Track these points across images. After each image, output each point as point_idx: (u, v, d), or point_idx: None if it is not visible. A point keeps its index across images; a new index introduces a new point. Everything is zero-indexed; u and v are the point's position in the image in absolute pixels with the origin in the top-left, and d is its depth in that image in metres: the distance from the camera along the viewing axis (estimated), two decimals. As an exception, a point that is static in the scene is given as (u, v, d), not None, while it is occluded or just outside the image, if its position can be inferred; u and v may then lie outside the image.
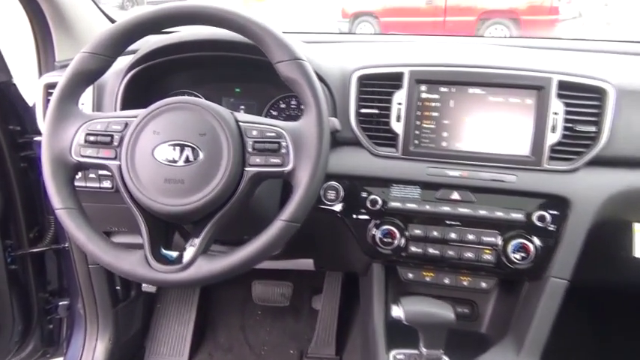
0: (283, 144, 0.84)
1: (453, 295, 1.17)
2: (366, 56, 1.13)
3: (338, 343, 1.73)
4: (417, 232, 1.04)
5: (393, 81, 1.07)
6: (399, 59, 1.09)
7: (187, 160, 0.83)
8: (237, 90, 1.27)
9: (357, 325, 1.70)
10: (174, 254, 0.85)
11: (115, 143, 0.85)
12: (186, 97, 0.87)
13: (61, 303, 1.64)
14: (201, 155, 0.83)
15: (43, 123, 1.16)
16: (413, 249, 1.04)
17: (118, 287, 1.58)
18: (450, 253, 1.03)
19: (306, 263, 1.40)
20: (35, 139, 1.45)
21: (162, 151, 0.83)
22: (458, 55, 1.11)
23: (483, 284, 1.07)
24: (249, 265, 0.82)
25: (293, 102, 1.26)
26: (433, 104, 1.06)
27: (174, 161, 0.83)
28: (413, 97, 1.06)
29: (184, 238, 0.92)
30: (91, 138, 0.85)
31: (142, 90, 1.19)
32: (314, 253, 1.32)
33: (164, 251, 0.85)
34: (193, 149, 0.83)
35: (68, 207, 0.84)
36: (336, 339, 1.74)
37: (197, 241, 0.83)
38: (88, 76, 0.88)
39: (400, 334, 1.04)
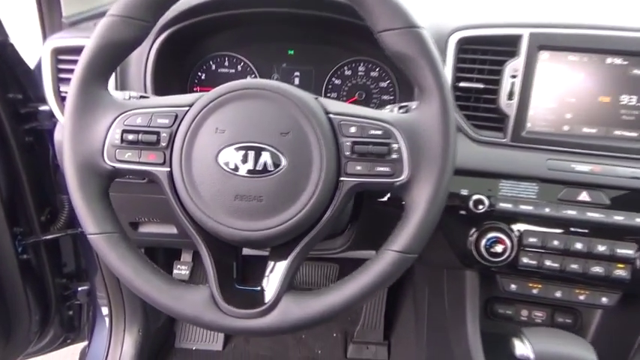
0: (394, 146, 0.61)
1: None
2: (469, 12, 0.88)
3: (386, 328, 1.59)
4: (533, 240, 0.84)
5: (506, 46, 0.83)
6: (515, 17, 0.84)
7: (265, 170, 0.61)
8: (291, 52, 1.02)
9: (407, 309, 1.53)
10: (250, 290, 0.65)
11: (163, 143, 0.63)
12: (259, 81, 0.64)
13: (80, 288, 1.48)
14: (283, 162, 0.61)
15: (54, 102, 0.92)
16: (525, 261, 0.84)
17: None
18: (573, 267, 0.83)
19: (366, 253, 1.21)
20: (41, 108, 1.21)
21: (230, 156, 0.61)
22: (594, 14, 0.86)
23: (604, 299, 0.89)
24: (349, 309, 0.63)
25: (361, 68, 1.01)
26: (557, 77, 0.83)
27: (249, 171, 0.61)
28: (532, 67, 0.82)
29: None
30: (130, 136, 0.63)
31: (175, 57, 0.95)
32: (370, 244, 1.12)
33: (237, 287, 0.65)
34: (273, 154, 0.61)
35: (105, 231, 0.63)
36: (384, 324, 1.59)
37: (279, 272, 0.63)
38: (121, 48, 0.64)
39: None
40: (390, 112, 0.65)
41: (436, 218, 0.61)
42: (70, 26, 1.02)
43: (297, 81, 1.03)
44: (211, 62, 1.03)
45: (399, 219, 0.90)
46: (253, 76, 1.03)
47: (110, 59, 0.64)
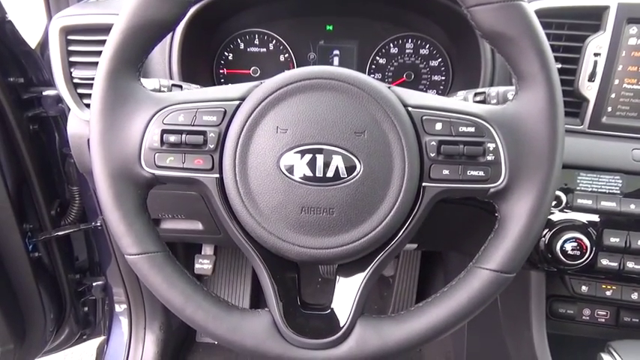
0: (490, 146, 0.51)
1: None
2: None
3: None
4: (614, 240, 0.75)
5: (588, 20, 0.73)
6: (600, -15, 0.73)
7: (337, 177, 0.51)
8: (329, 28, 0.91)
9: None
10: (317, 314, 0.56)
11: (211, 145, 0.53)
12: (326, 69, 0.53)
13: (95, 284, 1.40)
14: (358, 167, 0.51)
15: (65, 89, 0.81)
16: (605, 263, 0.76)
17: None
18: (659, 268, 0.75)
19: (407, 246, 1.13)
20: (45, 93, 1.10)
21: (294, 160, 0.51)
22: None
23: (686, 301, 0.81)
24: (435, 338, 0.54)
25: (409, 45, 0.90)
26: (646, 55, 0.72)
27: (317, 178, 0.51)
28: (619, 44, 0.71)
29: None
30: (172, 138, 0.52)
31: (202, 36, 0.83)
32: (428, 242, 1.04)
33: (303, 311, 0.56)
34: (346, 158, 0.51)
35: (148, 251, 0.53)
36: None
37: (352, 293, 0.54)
38: (157, 29, 0.52)
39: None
40: (479, 104, 0.55)
41: (539, 232, 0.52)
42: (79, 0, 0.89)
43: (336, 60, 0.92)
44: (239, 40, 0.91)
45: (448, 212, 0.81)
46: (287, 55, 0.91)
47: (143, 43, 0.53)
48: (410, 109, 0.53)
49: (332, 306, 0.56)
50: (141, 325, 1.34)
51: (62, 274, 1.30)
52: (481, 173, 0.52)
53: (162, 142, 0.53)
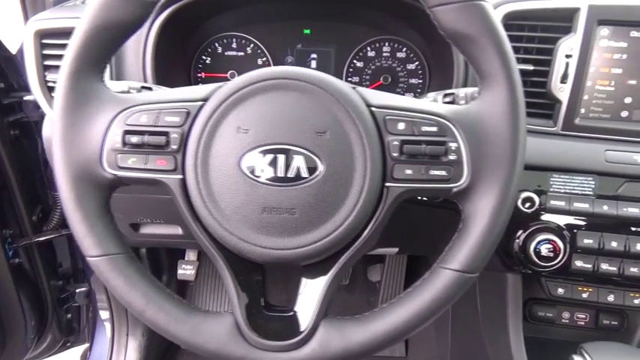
0: (452, 145, 0.51)
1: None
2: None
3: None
4: (588, 241, 0.74)
5: (560, 22, 0.73)
6: (571, -13, 0.73)
7: (299, 177, 0.51)
8: (307, 31, 0.91)
9: None
10: (280, 315, 0.56)
11: (174, 146, 0.52)
12: (288, 69, 0.53)
13: (78, 290, 1.38)
14: (320, 167, 0.51)
15: (40, 93, 0.81)
16: (579, 264, 0.75)
17: (147, 275, 1.30)
18: (633, 270, 0.74)
19: (387, 250, 1.12)
20: (25, 98, 1.10)
21: (256, 161, 0.51)
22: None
23: (662, 303, 0.80)
24: (399, 339, 0.53)
25: (386, 48, 0.90)
26: (617, 56, 0.73)
27: (279, 178, 0.51)
28: (590, 45, 0.72)
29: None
30: (134, 139, 0.52)
31: (177, 39, 0.83)
32: (409, 246, 1.03)
33: (267, 313, 0.55)
34: (307, 158, 0.51)
35: (109, 253, 0.53)
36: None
37: (315, 294, 0.54)
38: (120, 31, 0.52)
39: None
40: (442, 104, 0.55)
41: (502, 231, 0.52)
42: (56, 5, 0.90)
43: (313, 64, 0.92)
44: (217, 44, 0.91)
45: (427, 216, 0.81)
46: (264, 59, 0.91)
47: (107, 44, 0.53)
48: (373, 109, 0.53)
49: (296, 308, 0.55)
50: (123, 332, 1.33)
51: (44, 281, 1.29)
52: (443, 173, 0.51)
53: (124, 143, 0.52)
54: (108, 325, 1.37)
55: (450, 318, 1.21)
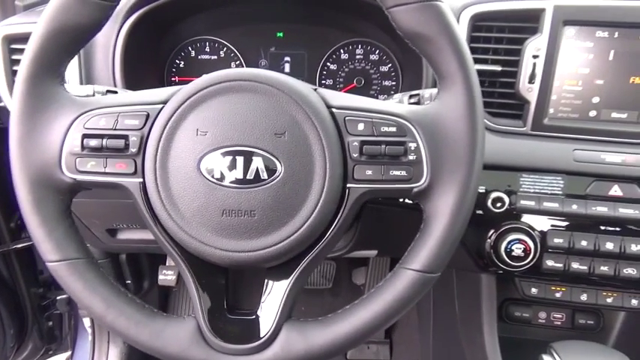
0: (411, 145, 0.51)
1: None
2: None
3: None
4: (558, 241, 0.75)
5: (526, 22, 0.73)
6: (537, -12, 0.74)
7: (258, 179, 0.51)
8: (279, 35, 0.91)
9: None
10: (243, 319, 0.55)
11: (133, 149, 0.52)
12: (246, 71, 0.53)
13: (59, 297, 1.37)
14: (279, 168, 0.51)
15: (9, 98, 0.80)
16: (550, 264, 0.76)
17: (128, 281, 1.29)
18: (603, 269, 0.75)
19: (366, 252, 1.12)
20: (1, 104, 1.09)
21: (215, 163, 0.51)
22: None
23: (634, 302, 0.80)
24: (362, 340, 0.53)
25: (359, 50, 0.90)
26: (584, 56, 0.73)
27: (238, 180, 0.50)
28: (556, 45, 0.72)
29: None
30: (93, 142, 0.52)
31: (149, 43, 0.83)
32: (388, 248, 1.03)
33: (229, 316, 0.55)
34: (266, 159, 0.51)
35: (68, 258, 0.52)
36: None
37: (278, 297, 0.54)
38: (77, 34, 0.52)
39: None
40: (402, 105, 0.55)
41: (462, 230, 0.52)
42: (25, 9, 0.89)
43: (287, 67, 0.92)
44: (190, 48, 0.91)
45: (405, 218, 0.81)
46: (238, 62, 0.91)
47: (64, 47, 0.52)
48: (333, 110, 0.53)
49: (259, 311, 0.55)
50: (104, 339, 1.31)
51: (23, 288, 1.28)
52: (403, 173, 0.51)
53: (83, 147, 0.52)
54: (90, 333, 1.36)
55: (431, 320, 1.21)
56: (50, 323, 1.40)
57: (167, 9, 0.80)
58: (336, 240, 0.54)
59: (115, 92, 0.67)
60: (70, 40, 0.52)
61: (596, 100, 0.75)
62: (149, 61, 0.87)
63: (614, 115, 0.75)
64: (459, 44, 0.50)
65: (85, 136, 0.52)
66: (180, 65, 0.91)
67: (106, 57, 0.78)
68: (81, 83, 0.78)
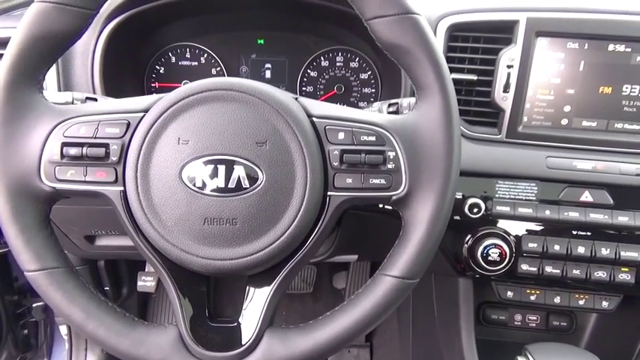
0: (390, 154, 0.53)
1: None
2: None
3: (368, 329, 1.52)
4: (532, 246, 0.77)
5: (500, 33, 0.76)
6: (511, 0, 0.76)
7: (240, 187, 0.51)
8: (260, 41, 0.92)
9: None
10: (225, 327, 0.55)
11: (114, 158, 0.52)
12: (227, 80, 0.53)
13: (35, 305, 1.35)
14: (261, 177, 0.51)
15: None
16: (525, 268, 0.78)
17: (106, 288, 1.27)
18: (575, 272, 0.77)
19: (347, 257, 1.13)
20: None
21: (197, 171, 0.51)
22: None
23: (605, 304, 0.83)
24: (343, 346, 0.54)
25: (340, 58, 0.92)
26: (555, 67, 0.76)
27: (219, 189, 0.51)
28: (529, 56, 0.75)
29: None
30: (72, 151, 0.52)
31: (128, 49, 0.83)
32: (368, 253, 1.04)
33: (211, 324, 0.55)
34: (248, 168, 0.51)
35: (47, 267, 0.52)
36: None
37: (259, 304, 0.54)
38: (56, 41, 0.52)
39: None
40: (381, 114, 0.56)
41: (440, 237, 0.53)
42: (1, 14, 0.88)
43: (268, 74, 0.92)
44: (170, 54, 0.91)
45: (384, 223, 0.83)
46: (218, 69, 0.92)
47: (43, 55, 0.52)
48: (314, 119, 0.54)
49: (240, 318, 0.55)
50: (82, 347, 1.30)
51: (-3, 296, 1.25)
52: (382, 181, 0.53)
53: (62, 155, 0.52)
54: (67, 342, 1.33)
55: (411, 324, 1.23)
56: (25, 331, 1.37)
57: (147, 15, 0.80)
58: (317, 247, 0.55)
59: (94, 99, 0.66)
60: (49, 48, 0.52)
61: (567, 108, 0.77)
62: (128, 67, 0.86)
63: (585, 123, 0.78)
64: (436, 56, 0.52)
65: (64, 144, 0.52)
66: (161, 71, 0.91)
67: (85, 63, 0.77)
68: (59, 89, 0.77)
